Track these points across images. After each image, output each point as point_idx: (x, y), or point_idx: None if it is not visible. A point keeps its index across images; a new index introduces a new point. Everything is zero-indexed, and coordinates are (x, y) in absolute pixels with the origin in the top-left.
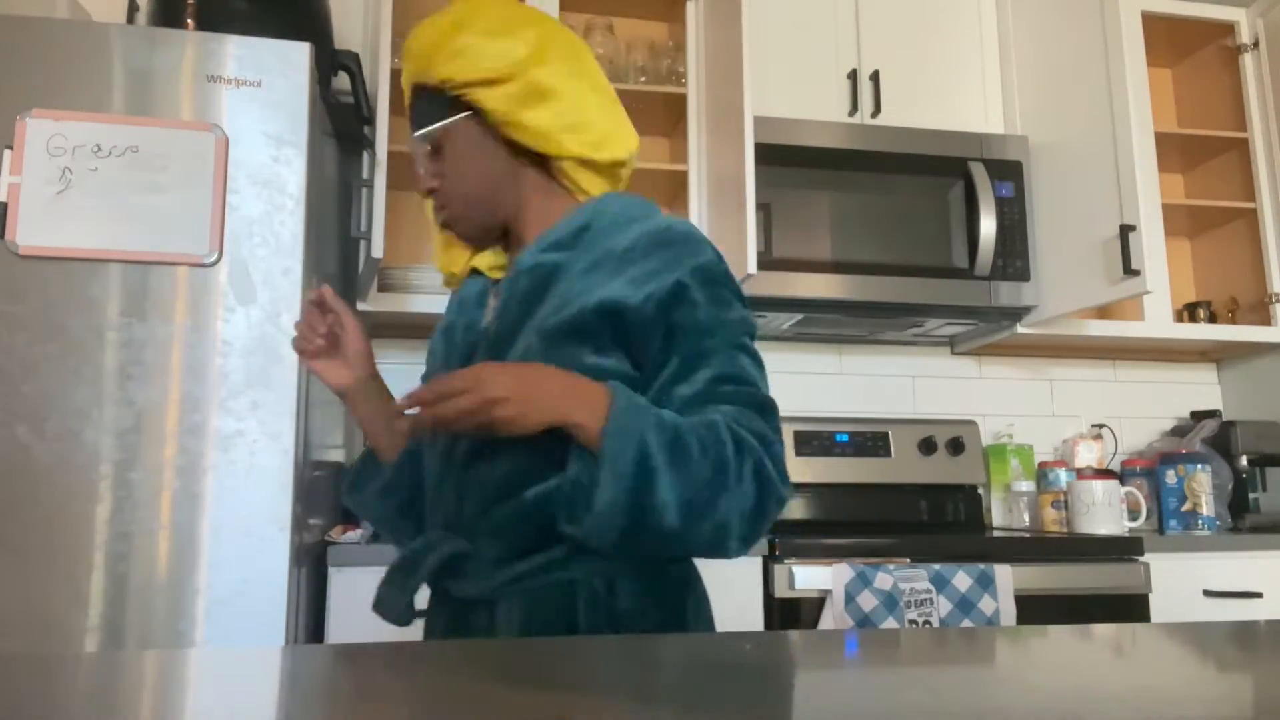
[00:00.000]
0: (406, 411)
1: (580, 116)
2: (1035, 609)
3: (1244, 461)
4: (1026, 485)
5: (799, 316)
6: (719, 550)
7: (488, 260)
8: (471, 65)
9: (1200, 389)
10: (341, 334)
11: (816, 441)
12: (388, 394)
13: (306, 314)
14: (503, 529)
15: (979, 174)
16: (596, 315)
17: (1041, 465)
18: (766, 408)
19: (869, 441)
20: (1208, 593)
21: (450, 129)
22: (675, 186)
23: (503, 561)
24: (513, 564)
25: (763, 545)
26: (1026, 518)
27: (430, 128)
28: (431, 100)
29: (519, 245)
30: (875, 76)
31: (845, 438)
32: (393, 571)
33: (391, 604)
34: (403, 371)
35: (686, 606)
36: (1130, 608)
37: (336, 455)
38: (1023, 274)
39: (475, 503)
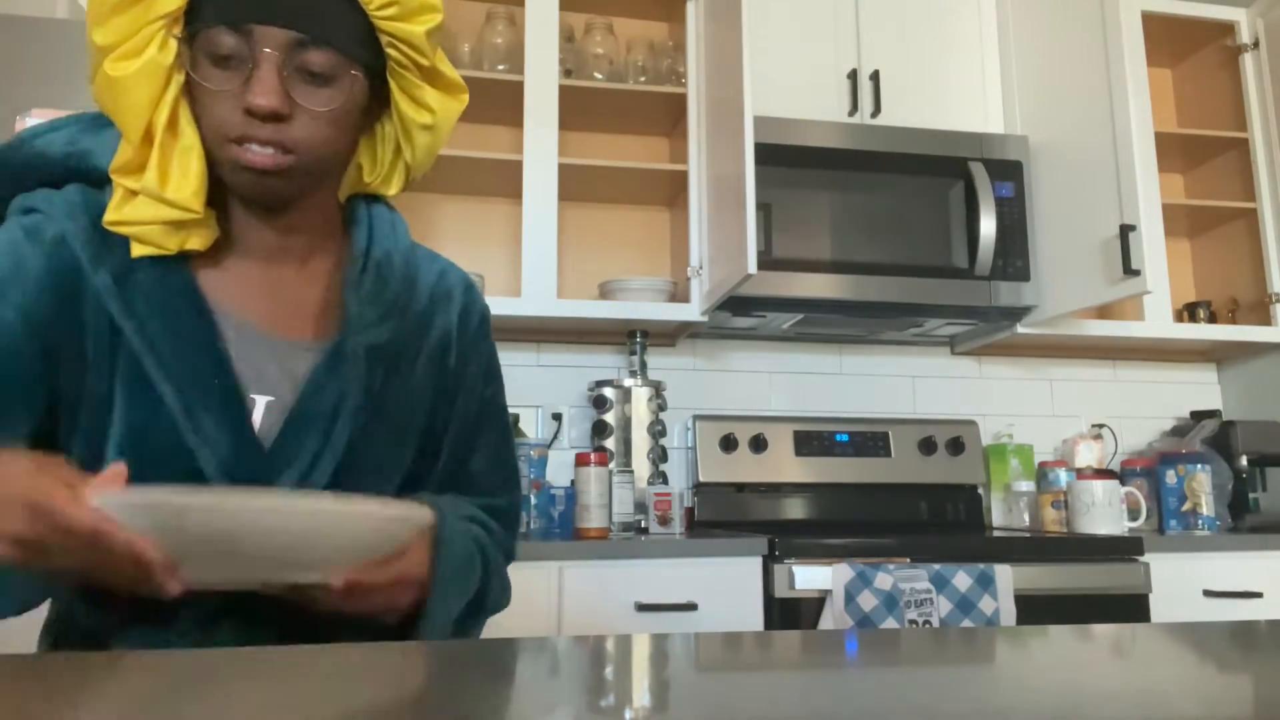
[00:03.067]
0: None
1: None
2: (1035, 609)
3: (1244, 461)
4: (1026, 485)
5: (799, 316)
6: None
7: (209, 238)
8: (435, 19)
9: (1200, 389)
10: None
11: (816, 441)
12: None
13: None
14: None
15: (979, 174)
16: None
17: (1041, 465)
18: (519, 486)
19: (869, 441)
20: (1208, 593)
21: (356, 71)
22: (675, 186)
23: None
24: None
25: (763, 545)
26: (1026, 518)
27: (342, 54)
28: (349, 12)
29: (269, 231)
30: (875, 76)
31: (845, 438)
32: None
33: None
34: None
35: None
36: (1130, 608)
37: None
38: (1023, 274)
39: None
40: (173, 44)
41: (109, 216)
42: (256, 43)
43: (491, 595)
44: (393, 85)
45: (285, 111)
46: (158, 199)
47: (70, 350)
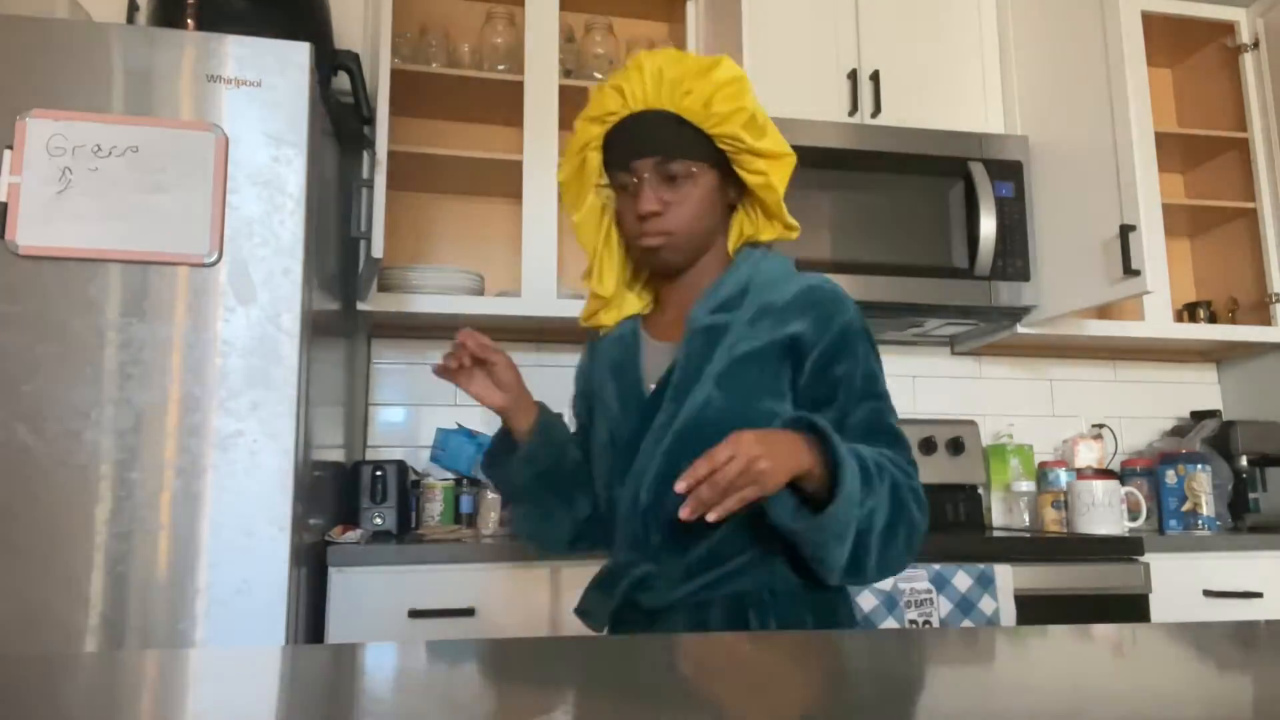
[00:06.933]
0: (679, 486)
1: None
2: (1035, 609)
3: (1244, 461)
4: (1026, 485)
5: None
6: (862, 577)
7: (636, 305)
8: (744, 115)
9: (1200, 389)
10: (491, 369)
11: None
12: (534, 404)
13: (454, 350)
14: (684, 551)
15: (979, 174)
16: (777, 351)
17: (1041, 465)
18: (908, 447)
19: None
20: (1208, 593)
21: (700, 168)
22: None
23: (683, 578)
24: (691, 579)
25: None
26: (1026, 518)
27: (687, 159)
28: (686, 132)
29: (680, 289)
30: (875, 76)
31: None
32: (598, 583)
33: (597, 613)
34: (402, 371)
35: (838, 611)
36: (1130, 608)
37: (336, 455)
38: (1023, 274)
39: (660, 530)
40: (600, 194)
41: (581, 316)
42: (637, 171)
43: (910, 509)
44: (735, 167)
45: (659, 210)
46: (595, 295)
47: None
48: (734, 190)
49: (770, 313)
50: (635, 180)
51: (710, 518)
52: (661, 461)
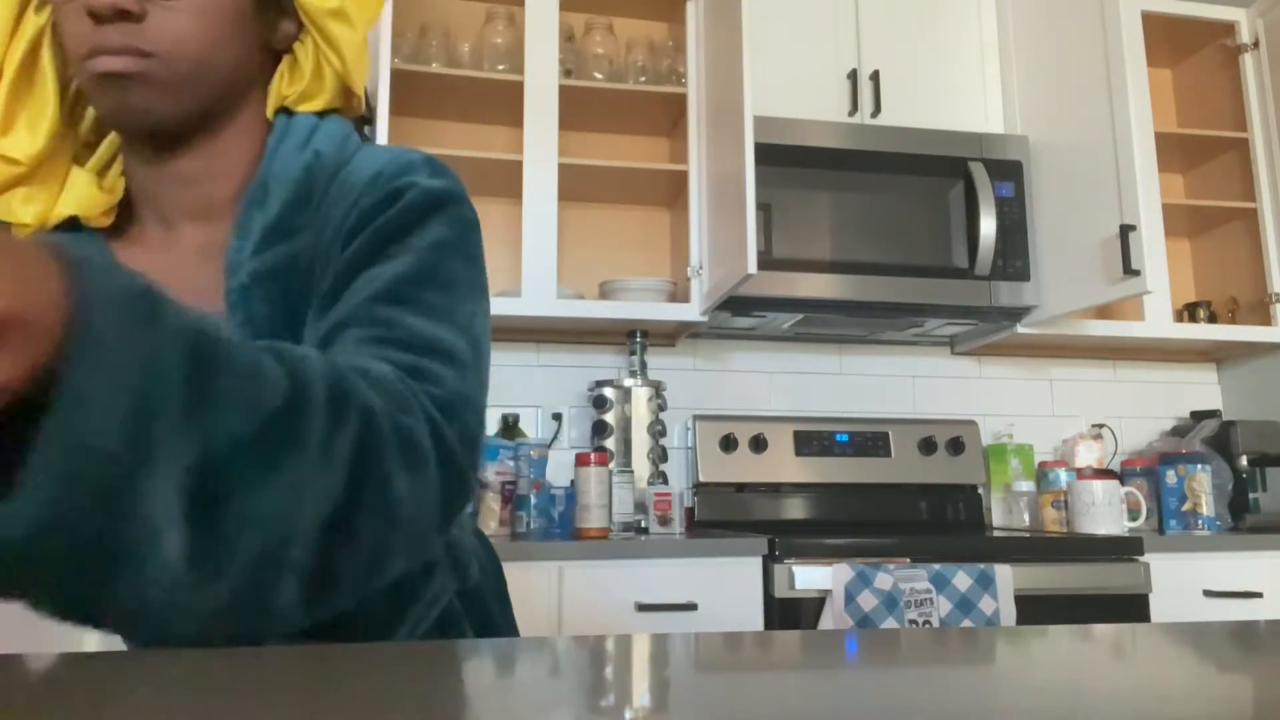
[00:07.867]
0: None
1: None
2: (1035, 609)
3: (1244, 461)
4: (1026, 485)
5: (799, 316)
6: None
7: (88, 200)
8: None
9: (1200, 389)
10: None
11: (816, 441)
12: None
13: None
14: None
15: (979, 174)
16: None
17: (1041, 465)
18: (465, 365)
19: (869, 441)
20: (1208, 593)
21: None
22: (675, 186)
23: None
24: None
25: (763, 545)
26: (1026, 518)
27: None
28: None
29: (181, 182)
30: (875, 76)
31: (845, 438)
32: None
33: None
34: None
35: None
36: (1130, 608)
37: None
38: (1023, 274)
39: None
40: None
41: None
42: None
43: (384, 467)
44: None
45: (132, 7)
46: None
47: None
48: (286, 23)
49: (328, 226)
50: None
51: None
52: None
